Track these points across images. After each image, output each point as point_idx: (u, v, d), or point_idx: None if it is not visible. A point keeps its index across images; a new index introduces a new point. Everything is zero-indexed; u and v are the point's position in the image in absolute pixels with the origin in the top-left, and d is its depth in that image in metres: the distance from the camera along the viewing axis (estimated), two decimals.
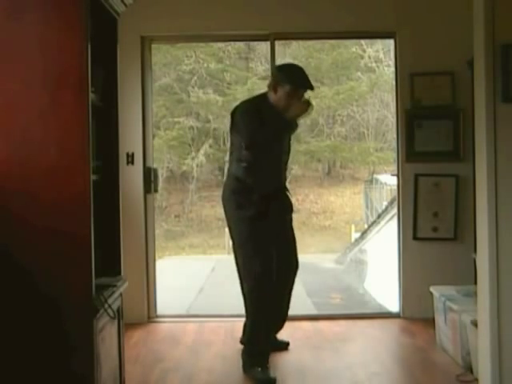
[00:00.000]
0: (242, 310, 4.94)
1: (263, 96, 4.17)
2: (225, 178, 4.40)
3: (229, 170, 4.29)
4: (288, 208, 4.33)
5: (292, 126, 4.21)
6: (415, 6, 5.22)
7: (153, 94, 5.63)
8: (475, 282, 3.70)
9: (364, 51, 16.24)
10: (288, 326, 4.90)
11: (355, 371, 4.07)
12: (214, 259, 13.16)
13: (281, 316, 4.46)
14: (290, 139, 4.32)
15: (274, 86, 4.09)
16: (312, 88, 4.14)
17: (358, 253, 13.18)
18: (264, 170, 4.10)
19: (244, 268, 4.14)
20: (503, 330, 3.27)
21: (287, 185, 4.37)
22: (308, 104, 4.09)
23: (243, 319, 4.88)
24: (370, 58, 16.33)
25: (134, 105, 5.25)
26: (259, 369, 3.96)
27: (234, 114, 4.14)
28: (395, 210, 5.75)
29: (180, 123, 16.51)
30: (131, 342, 4.61)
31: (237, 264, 4.27)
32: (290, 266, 4.34)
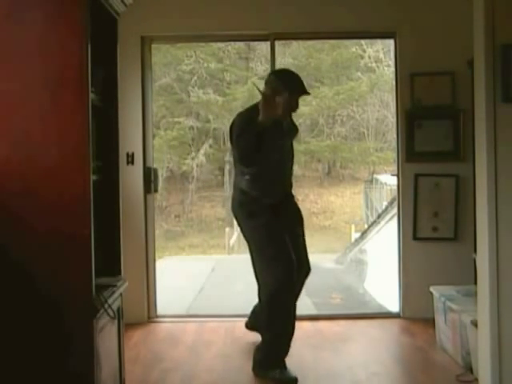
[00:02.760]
0: (242, 310, 4.95)
1: (258, 105, 4.00)
2: (232, 189, 4.37)
3: (234, 182, 4.29)
4: (298, 218, 4.28)
5: (291, 132, 4.22)
6: (415, 6, 5.22)
7: (153, 93, 5.63)
8: (475, 282, 3.70)
9: (364, 51, 16.24)
10: None
11: (355, 371, 4.08)
12: (213, 259, 13.15)
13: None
14: (291, 144, 4.30)
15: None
16: (308, 93, 4.16)
17: (358, 253, 13.18)
18: (267, 180, 4.08)
19: (266, 272, 4.06)
20: (503, 330, 3.27)
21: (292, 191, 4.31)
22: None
23: (243, 319, 4.90)
24: (369, 58, 16.33)
25: (134, 105, 5.25)
26: (278, 370, 3.94)
27: (231, 127, 4.12)
28: (395, 210, 5.75)
29: (180, 123, 16.51)
30: (131, 342, 4.62)
31: (255, 270, 4.24)
32: (301, 268, 4.18)
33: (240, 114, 4.19)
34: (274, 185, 4.13)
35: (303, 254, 4.23)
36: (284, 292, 3.95)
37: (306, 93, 4.12)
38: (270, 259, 4.01)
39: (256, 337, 4.80)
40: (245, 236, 4.22)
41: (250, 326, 4.77)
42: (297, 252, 4.12)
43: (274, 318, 4.01)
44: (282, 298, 3.96)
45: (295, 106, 4.08)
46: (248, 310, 4.94)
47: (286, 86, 4.02)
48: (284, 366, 3.98)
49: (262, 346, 4.11)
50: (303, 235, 4.27)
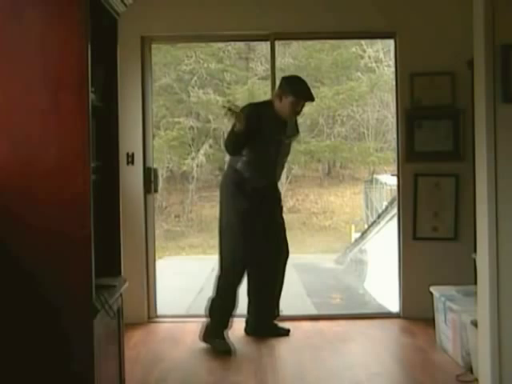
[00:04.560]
0: (242, 310, 4.95)
1: (269, 102, 4.67)
2: (225, 167, 4.91)
3: (229, 160, 4.74)
4: (279, 207, 4.85)
5: (292, 133, 4.75)
6: (415, 6, 5.22)
7: (153, 94, 5.63)
8: (475, 282, 3.70)
9: (364, 51, 16.22)
10: (288, 325, 4.91)
11: (355, 371, 4.07)
12: (214, 259, 13.10)
13: (272, 303, 4.86)
14: (290, 144, 4.79)
15: (279, 95, 4.56)
16: (313, 100, 4.62)
17: (357, 253, 13.16)
18: (260, 165, 4.58)
19: (226, 251, 4.58)
20: (503, 330, 3.28)
21: (282, 183, 4.72)
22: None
23: (243, 319, 4.90)
24: (369, 58, 16.31)
25: (134, 105, 5.25)
26: (217, 340, 4.50)
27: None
28: (395, 210, 5.75)
29: (180, 123, 16.49)
30: (131, 342, 4.61)
31: (220, 243, 4.66)
32: (281, 252, 4.82)
33: (251, 104, 4.85)
34: (264, 171, 4.63)
35: (282, 240, 4.82)
36: (233, 275, 4.55)
37: (310, 99, 4.60)
38: (234, 242, 4.54)
39: (256, 337, 4.80)
40: (221, 212, 4.68)
41: (248, 331, 4.87)
42: (277, 239, 4.78)
43: (220, 293, 4.58)
44: (229, 279, 4.56)
45: (299, 110, 4.62)
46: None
47: (293, 90, 4.51)
48: (222, 337, 4.50)
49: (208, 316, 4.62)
50: (283, 223, 4.84)
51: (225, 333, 4.55)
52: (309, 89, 4.62)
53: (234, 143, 4.49)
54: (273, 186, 4.77)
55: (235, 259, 4.56)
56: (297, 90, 4.54)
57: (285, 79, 4.71)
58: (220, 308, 4.58)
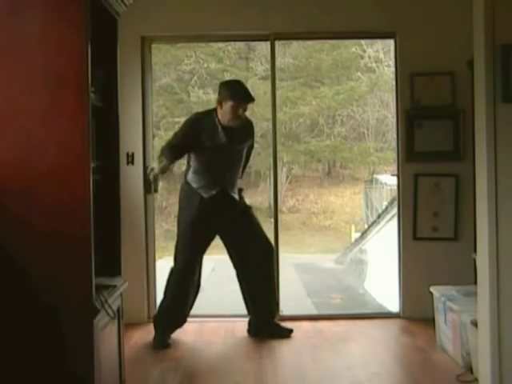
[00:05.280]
0: (242, 310, 4.95)
1: (213, 110, 4.67)
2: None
3: (184, 172, 4.84)
4: (235, 205, 4.73)
5: (242, 138, 4.69)
6: (415, 6, 5.22)
7: (153, 94, 5.63)
8: (475, 282, 3.70)
9: (364, 51, 16.21)
10: (288, 326, 4.90)
11: (355, 371, 4.07)
12: (213, 259, 13.10)
13: (270, 301, 4.86)
14: (241, 151, 4.73)
15: (219, 102, 4.59)
16: (252, 100, 4.61)
17: (358, 253, 13.16)
18: (205, 175, 4.63)
19: (176, 256, 4.72)
20: (503, 330, 3.28)
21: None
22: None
23: (243, 319, 4.91)
24: (369, 58, 16.30)
25: (134, 105, 5.25)
26: (157, 334, 4.66)
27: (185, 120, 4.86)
28: (395, 210, 5.74)
29: (180, 123, 16.48)
30: (131, 342, 4.61)
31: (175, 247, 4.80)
32: (264, 249, 4.80)
33: (194, 113, 5.00)
34: (212, 181, 4.63)
35: (262, 236, 4.81)
36: (178, 280, 4.66)
37: (249, 100, 4.59)
38: (180, 249, 4.68)
39: (256, 337, 4.80)
40: (177, 219, 4.80)
41: (252, 332, 4.85)
42: (255, 237, 4.76)
43: (166, 293, 4.72)
44: (174, 282, 4.67)
45: (242, 113, 4.57)
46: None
47: (230, 94, 4.52)
48: (161, 332, 4.65)
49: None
50: (255, 221, 4.83)
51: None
52: (246, 89, 4.65)
53: (168, 154, 4.59)
54: (225, 195, 4.68)
55: (178, 269, 4.68)
56: (234, 93, 4.53)
57: (221, 84, 4.77)
58: (165, 308, 4.75)
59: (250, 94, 4.63)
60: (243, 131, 4.71)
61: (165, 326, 4.70)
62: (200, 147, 4.57)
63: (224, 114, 4.56)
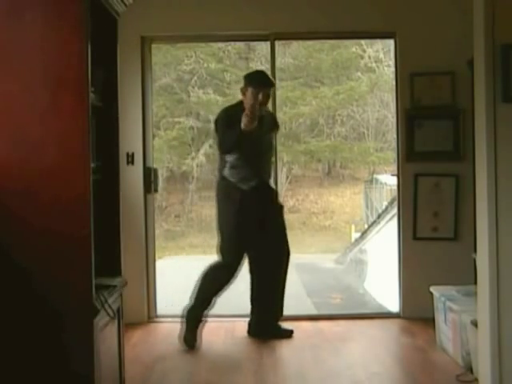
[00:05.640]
0: (242, 310, 4.95)
1: (240, 103, 4.69)
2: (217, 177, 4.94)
3: (218, 168, 4.84)
4: (273, 197, 4.87)
5: (270, 126, 4.80)
6: (415, 6, 5.22)
7: (153, 94, 5.63)
8: (475, 282, 3.70)
9: (364, 51, 16.21)
10: (288, 325, 4.90)
11: (355, 371, 4.07)
12: (214, 259, 13.08)
13: (276, 304, 4.85)
14: (271, 139, 4.88)
15: (243, 93, 4.66)
16: (270, 84, 4.75)
17: (358, 253, 13.16)
18: (244, 167, 4.65)
19: (222, 250, 4.73)
20: (503, 330, 3.27)
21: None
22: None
23: (243, 319, 4.91)
24: (369, 58, 16.29)
25: (134, 105, 5.25)
26: (188, 331, 4.58)
27: (216, 121, 4.81)
28: (395, 210, 5.74)
29: (180, 123, 16.47)
30: (131, 342, 4.61)
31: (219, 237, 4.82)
32: (282, 252, 4.84)
33: (225, 110, 4.85)
34: (250, 172, 4.66)
35: (283, 240, 4.85)
36: (223, 274, 4.67)
37: (267, 84, 4.69)
38: (228, 244, 4.69)
39: (256, 337, 4.80)
40: (218, 216, 4.82)
41: (252, 333, 4.85)
42: (278, 238, 4.82)
43: (206, 288, 4.70)
44: (216, 275, 4.69)
45: (264, 100, 4.62)
46: (248, 310, 4.94)
47: (249, 81, 4.62)
48: (193, 329, 4.59)
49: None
50: (283, 222, 4.87)
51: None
52: (266, 76, 4.77)
53: (235, 142, 4.54)
54: (265, 186, 4.77)
55: (225, 262, 4.70)
56: (253, 79, 4.63)
57: (244, 76, 4.84)
58: (200, 302, 4.73)
59: (268, 79, 4.74)
60: (268, 119, 4.79)
61: (197, 322, 4.66)
62: (233, 140, 4.57)
63: (248, 103, 4.54)
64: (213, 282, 4.70)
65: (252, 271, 4.86)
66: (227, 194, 4.71)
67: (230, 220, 4.67)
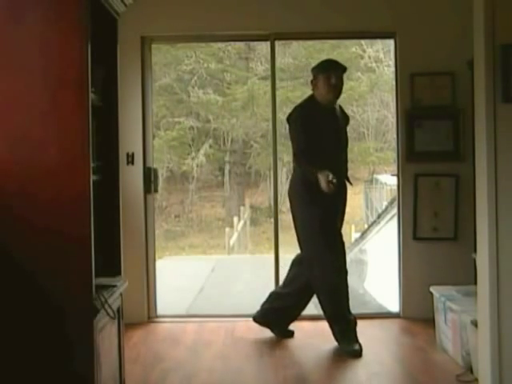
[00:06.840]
0: (242, 310, 4.95)
1: (310, 98, 4.59)
2: (291, 176, 4.75)
3: (294, 170, 4.66)
4: (345, 197, 4.68)
5: (343, 119, 4.68)
6: (415, 6, 5.22)
7: (153, 94, 5.63)
8: (475, 282, 3.70)
9: (364, 51, 16.22)
10: (288, 326, 4.90)
11: (355, 371, 4.08)
12: (213, 259, 13.12)
13: (291, 305, 4.77)
14: (346, 132, 4.72)
15: (314, 84, 4.55)
16: (340, 67, 4.56)
17: (358, 253, 13.16)
18: (326, 165, 4.34)
19: (317, 260, 4.51)
20: (503, 330, 3.28)
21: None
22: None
23: (243, 319, 4.91)
24: (369, 58, 16.31)
25: (134, 105, 5.25)
26: (346, 342, 4.43)
27: (288, 120, 4.59)
28: (395, 210, 5.74)
29: (180, 123, 16.48)
30: (131, 342, 4.61)
31: (301, 248, 4.69)
32: (345, 254, 4.67)
33: (298, 109, 4.59)
34: (327, 167, 4.32)
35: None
36: (336, 276, 4.48)
37: (336, 67, 4.55)
38: (321, 248, 4.46)
39: (256, 337, 4.80)
40: (297, 220, 4.58)
41: (258, 319, 4.80)
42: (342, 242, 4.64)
43: (327, 297, 4.56)
44: (334, 280, 4.50)
45: (338, 84, 4.49)
46: (248, 310, 4.95)
47: (317, 69, 4.54)
48: (353, 338, 4.43)
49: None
50: (343, 220, 4.74)
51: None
52: (333, 60, 4.71)
53: (310, 159, 4.42)
54: (342, 184, 4.56)
55: (333, 266, 4.50)
56: (322, 66, 4.57)
57: (311, 69, 4.71)
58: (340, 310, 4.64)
59: (338, 63, 4.64)
60: (341, 111, 4.71)
61: (348, 328, 4.56)
62: (319, 135, 4.47)
63: (320, 92, 4.51)
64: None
65: (296, 260, 4.78)
66: (310, 199, 4.47)
67: (313, 215, 4.45)
